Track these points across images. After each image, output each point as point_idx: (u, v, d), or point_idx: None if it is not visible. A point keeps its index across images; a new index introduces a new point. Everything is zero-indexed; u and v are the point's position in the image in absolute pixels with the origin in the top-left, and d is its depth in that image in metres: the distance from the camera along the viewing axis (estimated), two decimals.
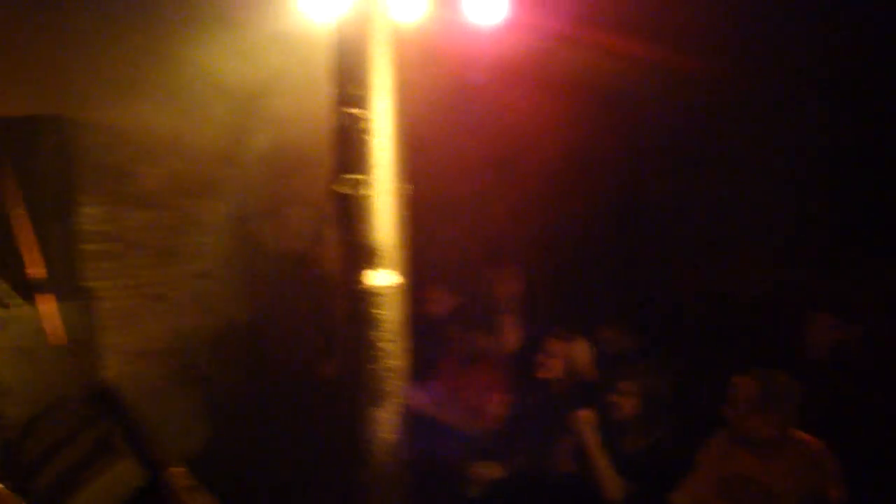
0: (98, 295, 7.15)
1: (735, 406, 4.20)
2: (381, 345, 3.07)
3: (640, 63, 6.99)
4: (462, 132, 7.25)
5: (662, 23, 6.70)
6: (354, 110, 3.02)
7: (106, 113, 7.26)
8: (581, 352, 5.27)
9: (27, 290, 6.50)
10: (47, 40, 7.26)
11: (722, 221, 7.09)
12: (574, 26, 6.80)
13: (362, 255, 3.04)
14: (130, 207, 7.42)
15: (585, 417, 4.71)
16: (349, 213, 3.04)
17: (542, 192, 7.18)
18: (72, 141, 7.00)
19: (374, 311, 3.05)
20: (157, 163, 7.47)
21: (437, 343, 5.59)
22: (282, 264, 7.73)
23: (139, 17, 7.32)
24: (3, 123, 6.57)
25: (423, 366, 5.46)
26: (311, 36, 6.71)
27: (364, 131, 3.02)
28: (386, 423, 3.09)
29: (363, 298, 3.05)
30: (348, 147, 3.03)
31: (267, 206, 7.71)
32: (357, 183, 3.01)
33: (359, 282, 3.04)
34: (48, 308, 6.45)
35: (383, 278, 3.04)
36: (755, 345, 5.50)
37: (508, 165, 7.26)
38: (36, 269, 6.45)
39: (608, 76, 6.99)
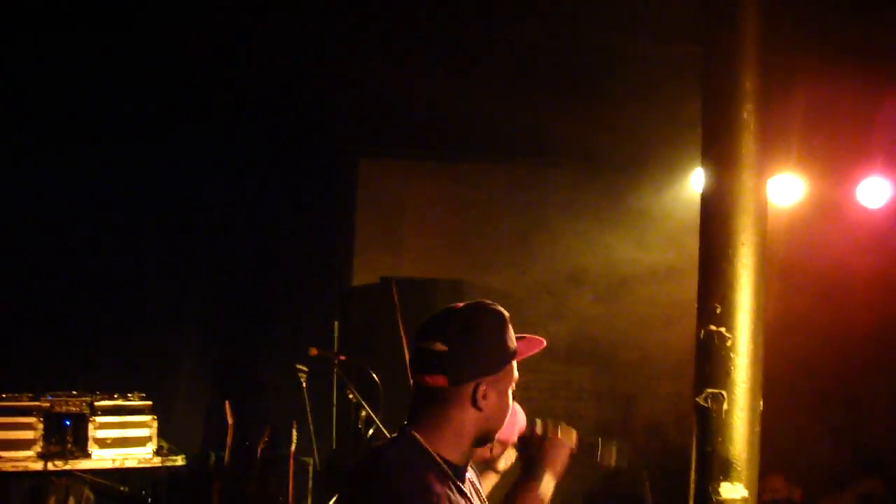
0: None
1: None
2: None
3: None
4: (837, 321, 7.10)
5: None
6: (717, 327, 3.18)
7: (495, 279, 7.89)
8: None
9: None
10: (447, 209, 8.06)
11: None
12: None
13: (715, 466, 3.17)
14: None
15: None
16: (707, 425, 3.18)
17: None
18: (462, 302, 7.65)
19: None
20: (538, 329, 7.95)
21: None
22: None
23: (527, 192, 7.95)
24: (407, 283, 7.30)
25: None
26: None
27: (726, 347, 3.17)
28: None
29: None
30: (710, 362, 3.20)
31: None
32: (716, 397, 3.16)
33: (711, 492, 3.16)
34: None
35: (735, 491, 3.15)
36: None
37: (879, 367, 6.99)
38: None
39: None
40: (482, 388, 2.45)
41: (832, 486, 6.34)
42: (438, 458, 2.44)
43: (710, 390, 3.17)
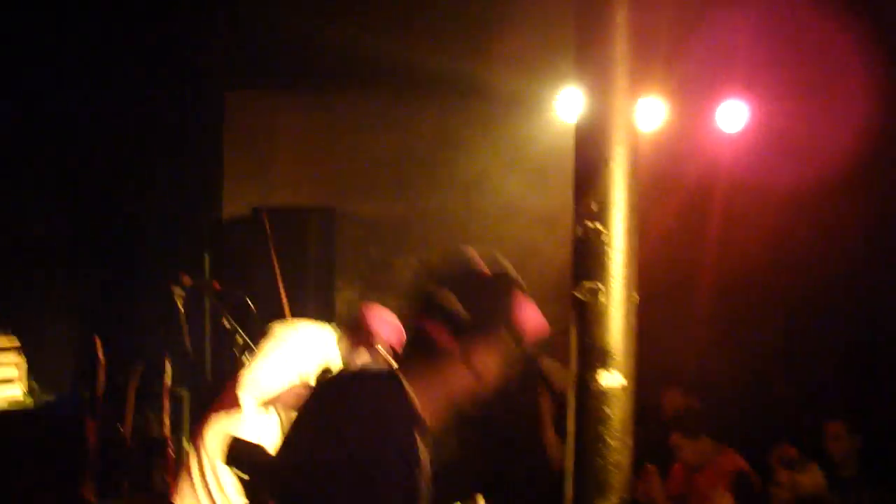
0: None
1: None
2: (608, 440, 3.29)
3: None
4: (699, 240, 7.39)
5: None
6: (594, 223, 3.28)
7: (368, 207, 7.92)
8: (812, 479, 5.30)
9: None
10: (317, 139, 8.03)
11: None
12: (816, 131, 6.89)
13: (595, 356, 3.29)
14: (385, 295, 7.98)
15: None
16: (585, 317, 3.30)
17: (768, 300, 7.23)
18: (335, 230, 7.67)
19: (603, 408, 3.28)
20: (410, 255, 8.03)
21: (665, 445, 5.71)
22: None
23: (397, 120, 7.97)
24: (279, 213, 7.28)
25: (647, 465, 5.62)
26: (568, 142, 7.10)
27: (602, 243, 3.28)
28: None
29: (594, 396, 3.29)
30: (587, 256, 3.30)
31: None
32: (593, 290, 3.27)
33: (590, 381, 3.28)
34: None
35: (613, 379, 3.27)
36: None
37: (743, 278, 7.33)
38: None
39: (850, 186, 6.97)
40: (480, 352, 2.38)
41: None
42: (418, 412, 2.35)
43: (587, 284, 3.28)
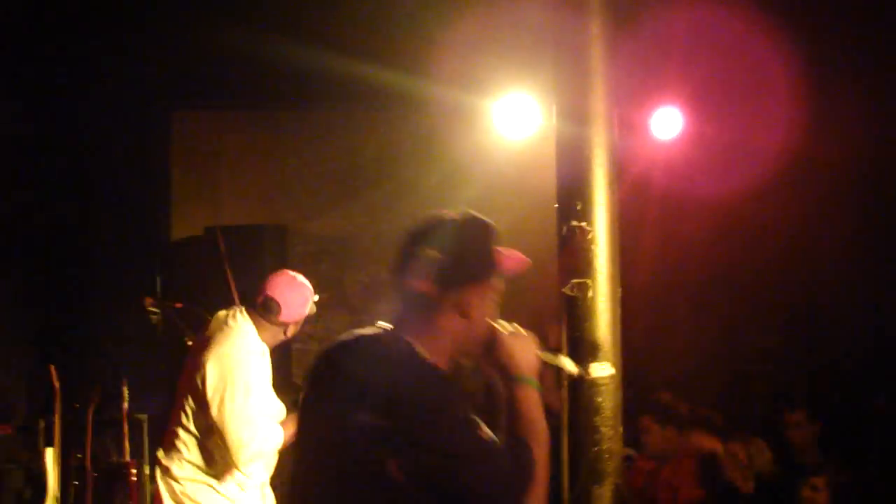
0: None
1: None
2: (601, 429, 3.47)
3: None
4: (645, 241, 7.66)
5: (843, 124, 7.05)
6: (579, 222, 3.47)
7: (317, 224, 8.03)
8: (759, 453, 5.58)
9: None
10: (264, 158, 8.12)
11: None
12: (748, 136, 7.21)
13: (585, 349, 3.47)
14: (335, 311, 8.08)
15: None
16: (574, 312, 3.48)
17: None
18: (287, 248, 7.75)
19: (595, 399, 3.46)
20: (359, 270, 8.16)
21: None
22: None
23: (343, 136, 8.10)
24: (231, 231, 7.32)
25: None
26: (507, 152, 7.31)
27: (588, 241, 3.47)
28: (604, 499, 3.47)
29: (586, 387, 3.46)
30: (573, 254, 3.48)
31: None
32: (581, 286, 3.45)
33: (582, 372, 3.46)
34: None
35: (602, 370, 3.46)
36: None
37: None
38: None
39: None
40: (468, 297, 2.45)
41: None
42: (435, 366, 2.42)
43: (575, 280, 3.46)
